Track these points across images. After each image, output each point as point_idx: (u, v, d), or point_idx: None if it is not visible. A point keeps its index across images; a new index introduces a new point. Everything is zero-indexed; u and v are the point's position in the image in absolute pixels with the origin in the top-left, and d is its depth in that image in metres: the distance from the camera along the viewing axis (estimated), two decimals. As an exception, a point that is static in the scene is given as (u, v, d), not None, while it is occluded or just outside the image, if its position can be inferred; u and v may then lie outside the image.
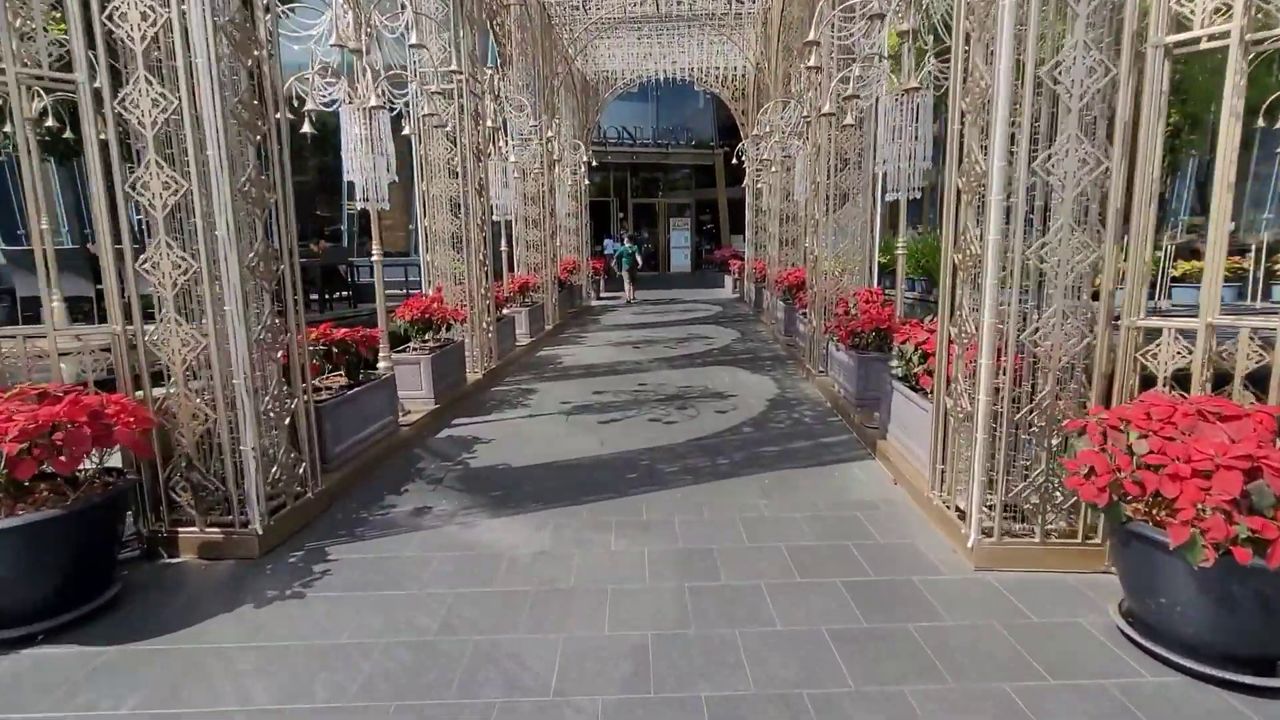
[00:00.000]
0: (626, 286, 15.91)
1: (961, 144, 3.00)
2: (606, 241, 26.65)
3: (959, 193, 3.04)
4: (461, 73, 6.28)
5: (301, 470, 3.45)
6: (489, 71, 8.15)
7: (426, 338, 5.89)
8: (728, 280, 18.32)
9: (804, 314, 7.51)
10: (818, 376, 6.40)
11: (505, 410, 5.79)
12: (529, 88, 9.76)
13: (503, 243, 8.68)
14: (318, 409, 3.81)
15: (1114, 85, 2.63)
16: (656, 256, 28.93)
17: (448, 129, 6.34)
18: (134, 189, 2.85)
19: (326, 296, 11.46)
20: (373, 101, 4.48)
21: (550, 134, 9.53)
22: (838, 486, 3.90)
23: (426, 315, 5.65)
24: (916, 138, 4.46)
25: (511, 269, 10.03)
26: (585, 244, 14.21)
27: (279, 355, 3.28)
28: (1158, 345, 2.77)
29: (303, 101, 4.91)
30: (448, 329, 6.06)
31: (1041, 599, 2.59)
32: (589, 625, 2.46)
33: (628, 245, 16.36)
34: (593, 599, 2.64)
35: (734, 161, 12.30)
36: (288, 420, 3.32)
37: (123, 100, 2.81)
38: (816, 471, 4.17)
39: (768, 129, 8.55)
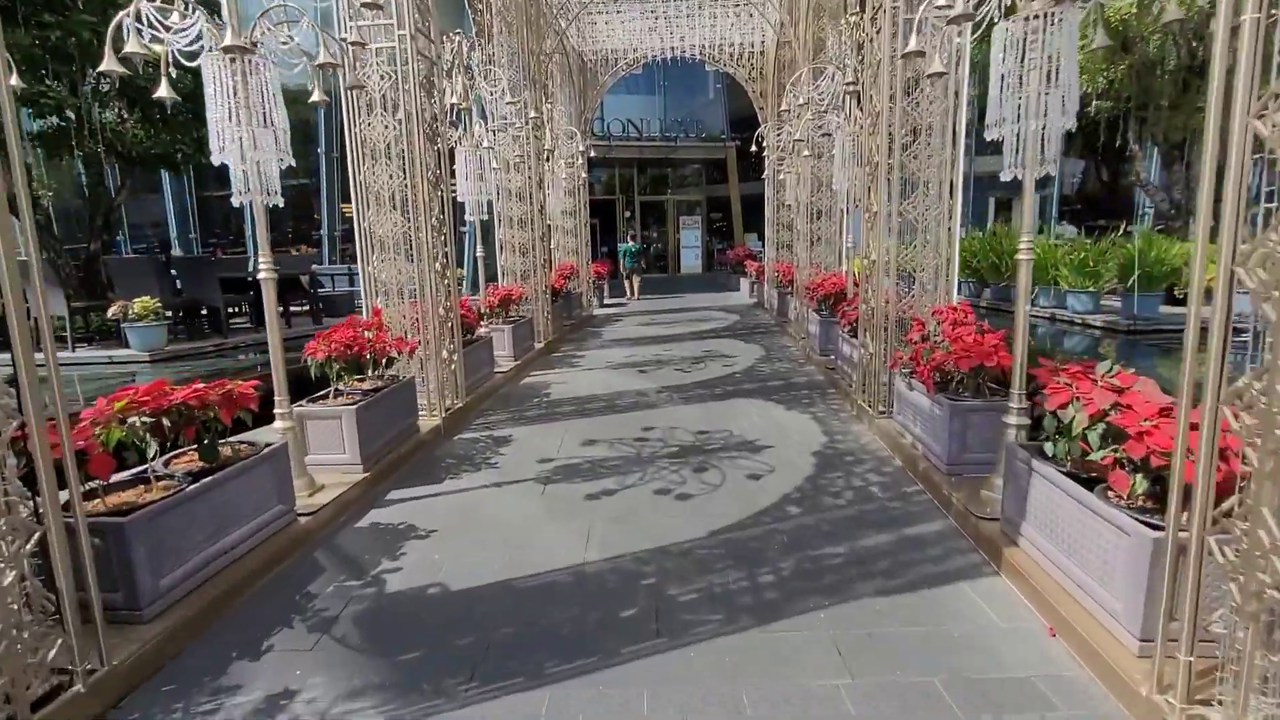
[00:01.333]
0: (628, 286, 16.15)
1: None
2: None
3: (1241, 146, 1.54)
4: (402, 27, 4.81)
5: (52, 651, 1.98)
6: (457, 37, 6.68)
7: (360, 378, 4.43)
8: (744, 283, 16.78)
9: (849, 332, 5.98)
10: (877, 419, 4.87)
11: (463, 473, 4.31)
12: (513, 63, 8.28)
13: (479, 247, 7.22)
14: (115, 529, 2.35)
15: None
16: (666, 257, 27.44)
17: (381, 98, 4.87)
18: None
19: (283, 310, 10.04)
20: (229, 39, 3.01)
21: (535, 114, 8.05)
22: (959, 638, 2.40)
23: (353, 350, 4.17)
24: (1055, 82, 2.94)
25: (493, 278, 8.58)
26: (585, 245, 12.72)
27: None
28: None
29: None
30: (389, 364, 4.59)
31: None
32: None
33: (631, 244, 17.07)
34: None
35: (753, 149, 10.78)
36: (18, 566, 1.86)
37: None
38: (914, 601, 2.66)
39: (796, 106, 7.02)
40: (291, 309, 10.42)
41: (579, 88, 12.04)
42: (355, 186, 5.05)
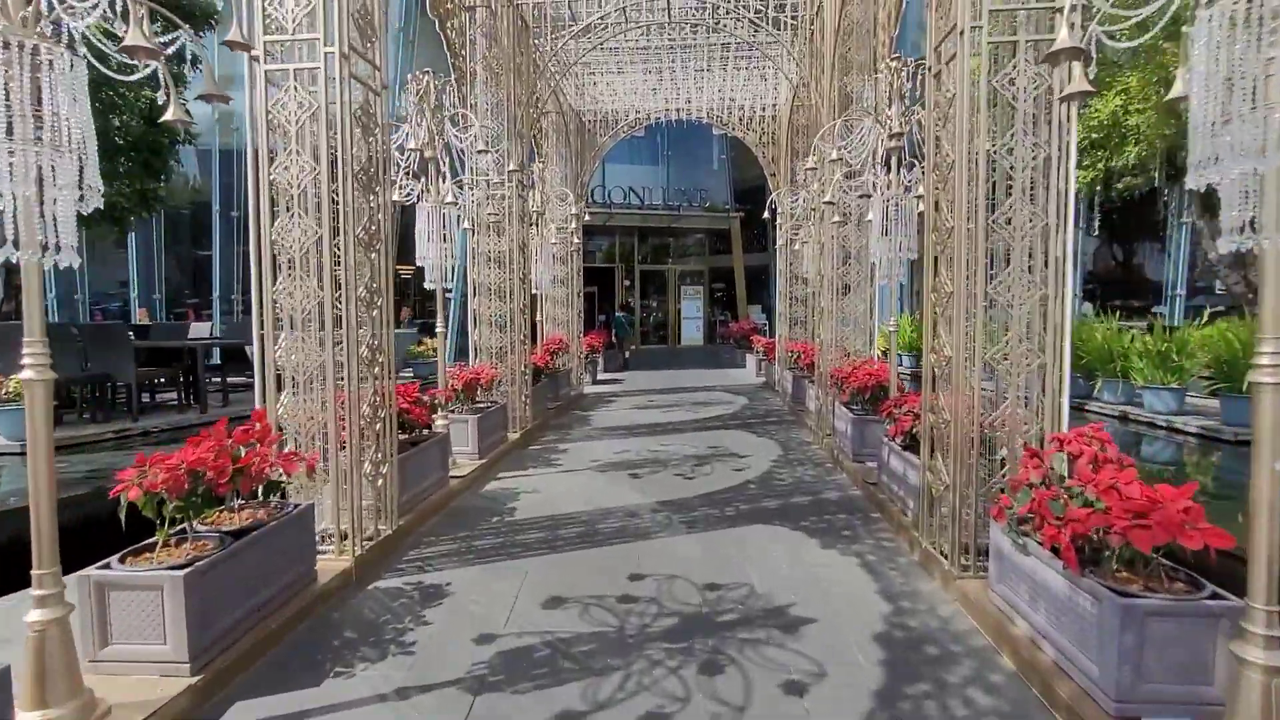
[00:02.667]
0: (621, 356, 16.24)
1: None
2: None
3: None
4: (331, 44, 3.71)
5: None
6: (425, 76, 5.66)
7: (229, 510, 3.06)
8: (749, 360, 15.56)
9: (902, 445, 4.65)
10: (959, 579, 3.47)
11: (359, 666, 2.87)
12: (497, 114, 7.29)
13: (439, 321, 5.97)
14: None
15: None
16: (666, 327, 26.42)
17: (299, 131, 3.71)
18: None
19: (221, 384, 8.73)
20: None
21: (516, 168, 6.97)
22: None
23: (210, 477, 2.82)
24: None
25: (462, 357, 7.32)
26: (578, 317, 11.56)
27: None
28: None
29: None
30: (267, 492, 3.23)
31: None
32: None
33: (620, 315, 17.45)
34: None
35: (765, 215, 9.77)
36: None
37: None
38: None
39: (827, 161, 5.93)
40: (232, 382, 9.11)
41: (575, 149, 11.17)
42: (256, 245, 3.82)
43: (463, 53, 7.23)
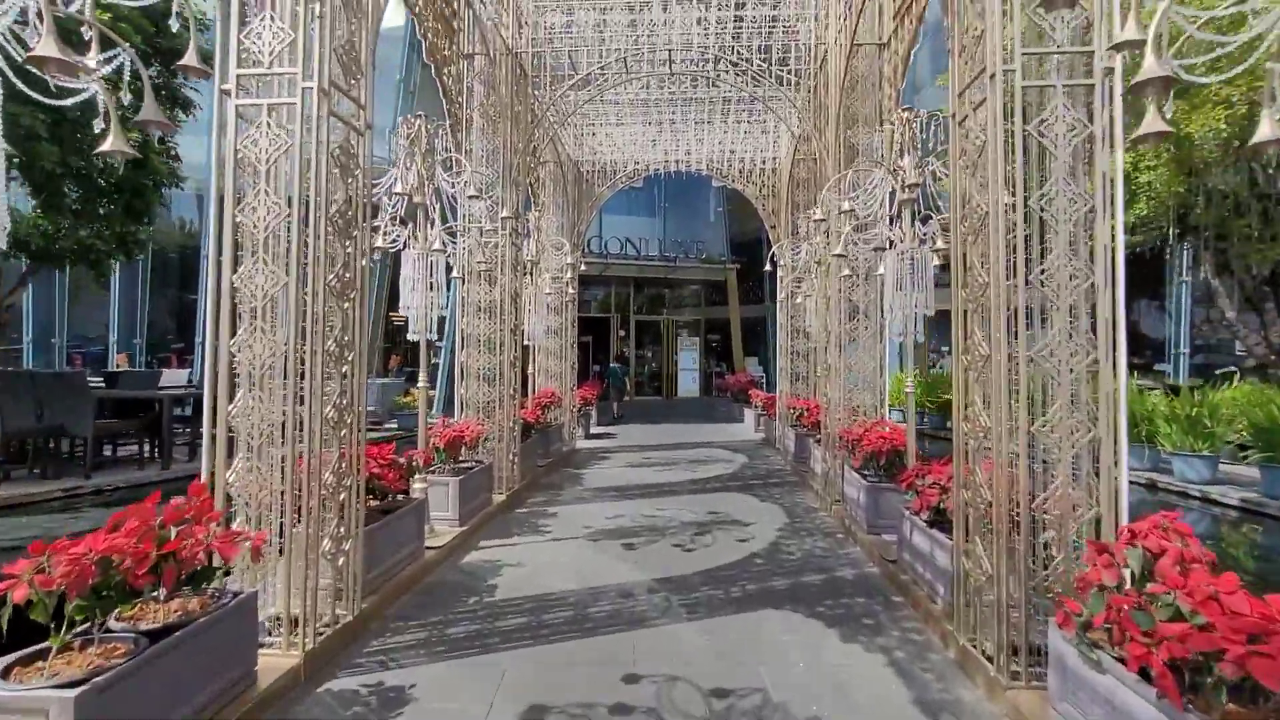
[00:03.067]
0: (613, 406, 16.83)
1: None
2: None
3: None
4: (310, 79, 3.43)
5: None
6: (418, 120, 5.42)
7: (151, 605, 2.58)
8: (748, 414, 15.12)
9: (928, 521, 4.21)
10: (1010, 689, 2.98)
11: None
12: (491, 161, 7.07)
13: (420, 375, 5.55)
14: None
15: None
16: (661, 379, 26.05)
17: (269, 171, 3.38)
18: None
19: (193, 434, 8.21)
20: None
21: (509, 214, 6.68)
22: None
23: (127, 566, 2.35)
24: None
25: (451, 409, 6.89)
26: (571, 369, 11.17)
27: None
28: None
29: None
30: (194, 581, 2.74)
31: None
32: None
33: (615, 366, 18.31)
34: None
35: (766, 268, 9.53)
36: None
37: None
38: None
39: (838, 212, 5.66)
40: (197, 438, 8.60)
41: (573, 199, 11.00)
42: (215, 293, 3.44)
43: (459, 100, 7.05)
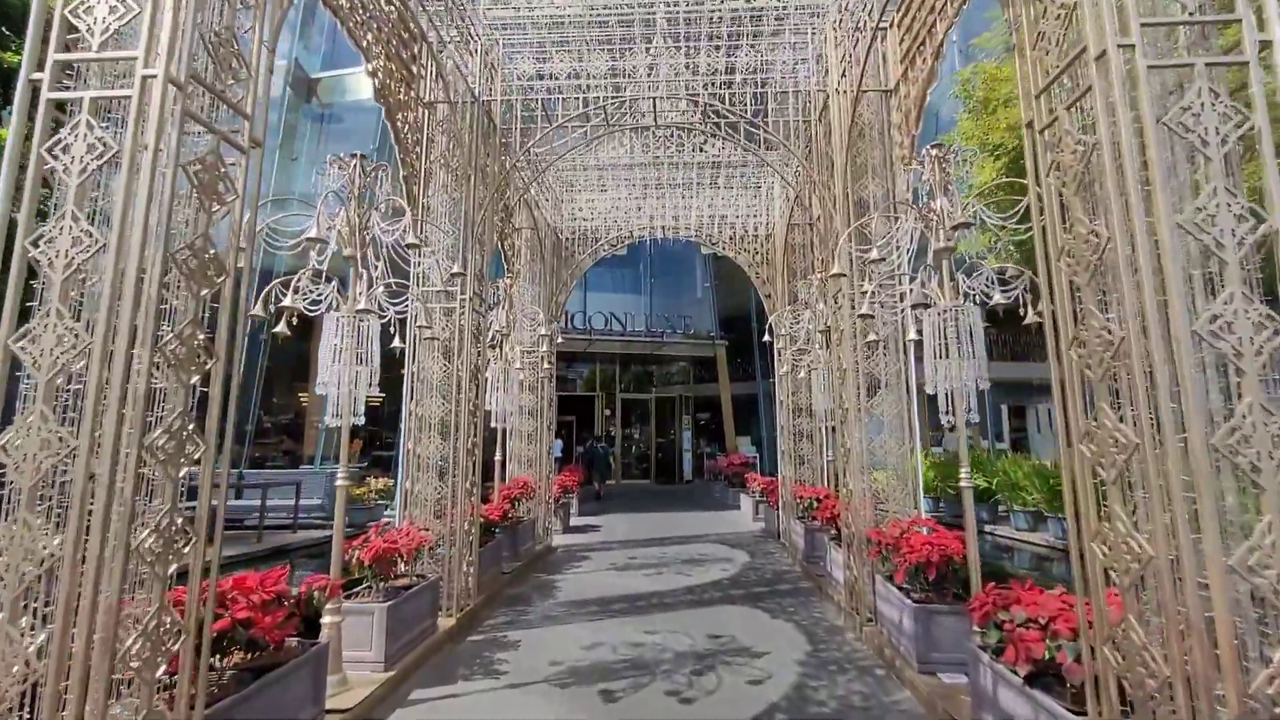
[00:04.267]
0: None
1: None
2: (555, 443, 22.69)
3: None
4: (133, 53, 2.48)
5: None
6: (352, 160, 4.50)
7: None
8: (744, 501, 13.80)
9: (1016, 678, 2.98)
10: None
11: None
12: (451, 215, 6.15)
13: (340, 466, 4.34)
14: None
15: None
16: (649, 461, 24.67)
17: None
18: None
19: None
20: None
21: (458, 269, 5.66)
22: None
23: None
24: None
25: (377, 518, 5.64)
26: (547, 454, 9.92)
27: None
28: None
29: None
30: None
31: None
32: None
33: (600, 446, 18.07)
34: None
35: (766, 338, 8.57)
36: None
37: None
38: None
39: (867, 262, 4.72)
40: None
41: (552, 267, 10.13)
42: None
43: (416, 150, 6.21)
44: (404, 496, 5.73)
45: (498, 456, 7.97)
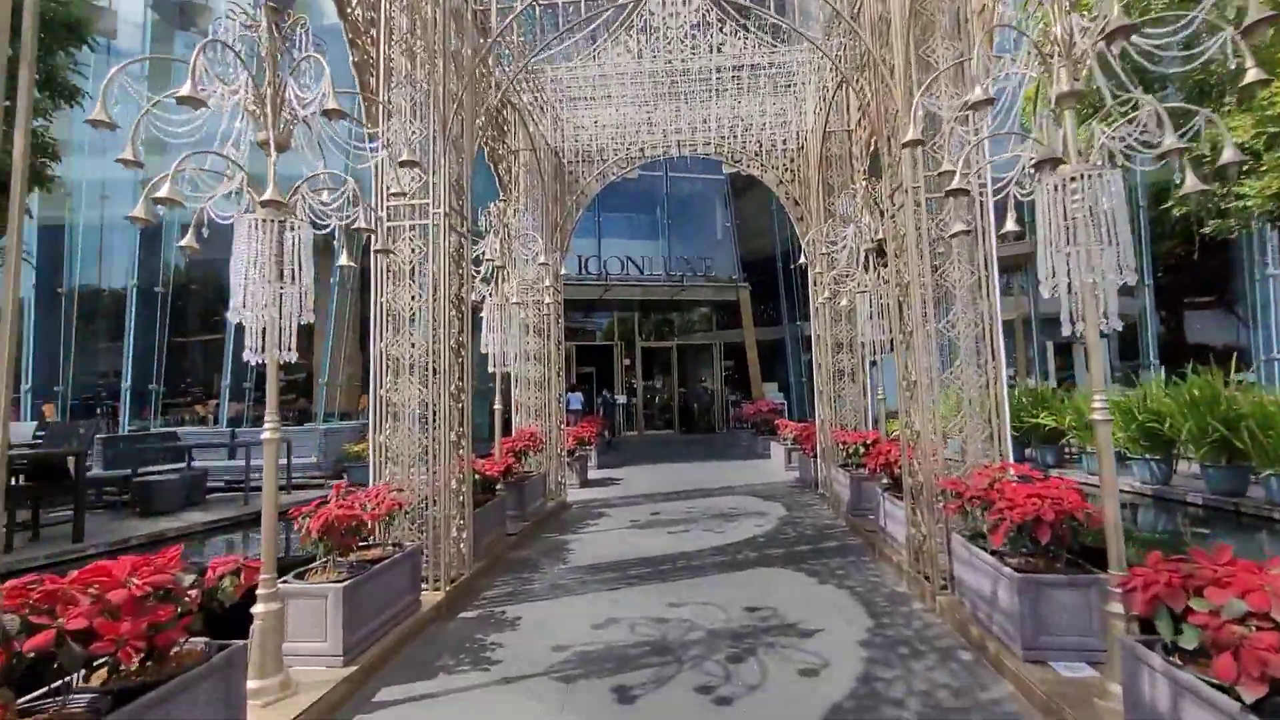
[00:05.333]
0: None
1: None
2: (573, 396, 21.82)
3: None
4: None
5: None
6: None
7: None
8: (775, 449, 12.84)
9: (1203, 684, 1.95)
10: None
11: None
12: (418, 111, 5.04)
13: (268, 414, 3.40)
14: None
15: None
16: (671, 411, 23.82)
17: None
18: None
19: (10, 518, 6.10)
20: None
21: (419, 174, 4.56)
22: None
23: None
24: None
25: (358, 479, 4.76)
26: (557, 401, 8.99)
27: None
28: None
29: None
30: None
31: None
32: None
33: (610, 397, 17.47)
34: None
35: (801, 261, 7.42)
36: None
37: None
38: None
39: (952, 112, 3.54)
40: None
41: (554, 193, 8.97)
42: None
43: (370, 33, 5.09)
44: (377, 452, 4.81)
45: (497, 405, 7.03)
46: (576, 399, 21.77)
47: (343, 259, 3.93)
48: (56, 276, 14.51)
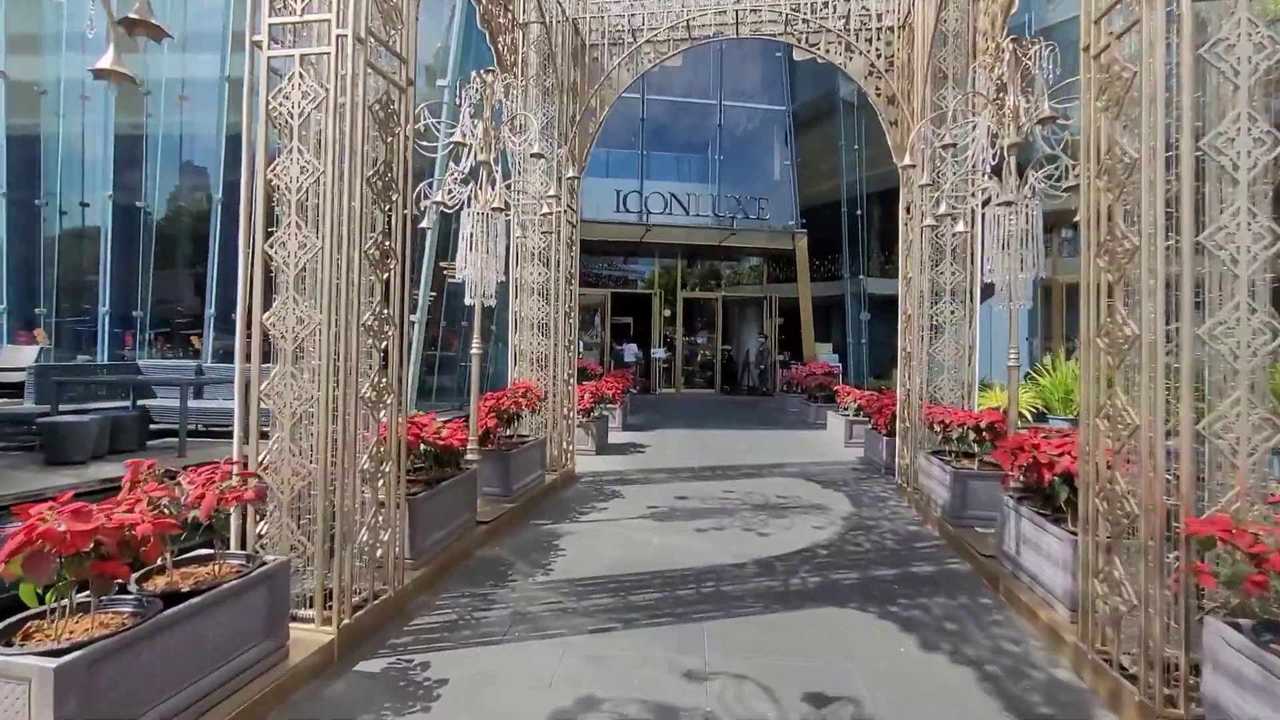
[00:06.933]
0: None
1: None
2: (627, 347, 20.07)
3: None
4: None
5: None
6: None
7: None
8: (833, 421, 10.89)
9: None
10: None
11: None
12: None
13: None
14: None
15: None
16: (713, 369, 21.98)
17: None
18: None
19: None
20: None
21: (336, 10, 2.83)
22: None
23: None
24: None
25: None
26: (567, 348, 7.20)
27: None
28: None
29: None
30: None
31: None
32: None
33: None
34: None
35: (906, 160, 5.36)
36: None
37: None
38: None
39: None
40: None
41: (572, 82, 6.99)
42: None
43: None
44: (238, 419, 3.14)
45: (475, 349, 5.29)
46: (631, 351, 20.06)
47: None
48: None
